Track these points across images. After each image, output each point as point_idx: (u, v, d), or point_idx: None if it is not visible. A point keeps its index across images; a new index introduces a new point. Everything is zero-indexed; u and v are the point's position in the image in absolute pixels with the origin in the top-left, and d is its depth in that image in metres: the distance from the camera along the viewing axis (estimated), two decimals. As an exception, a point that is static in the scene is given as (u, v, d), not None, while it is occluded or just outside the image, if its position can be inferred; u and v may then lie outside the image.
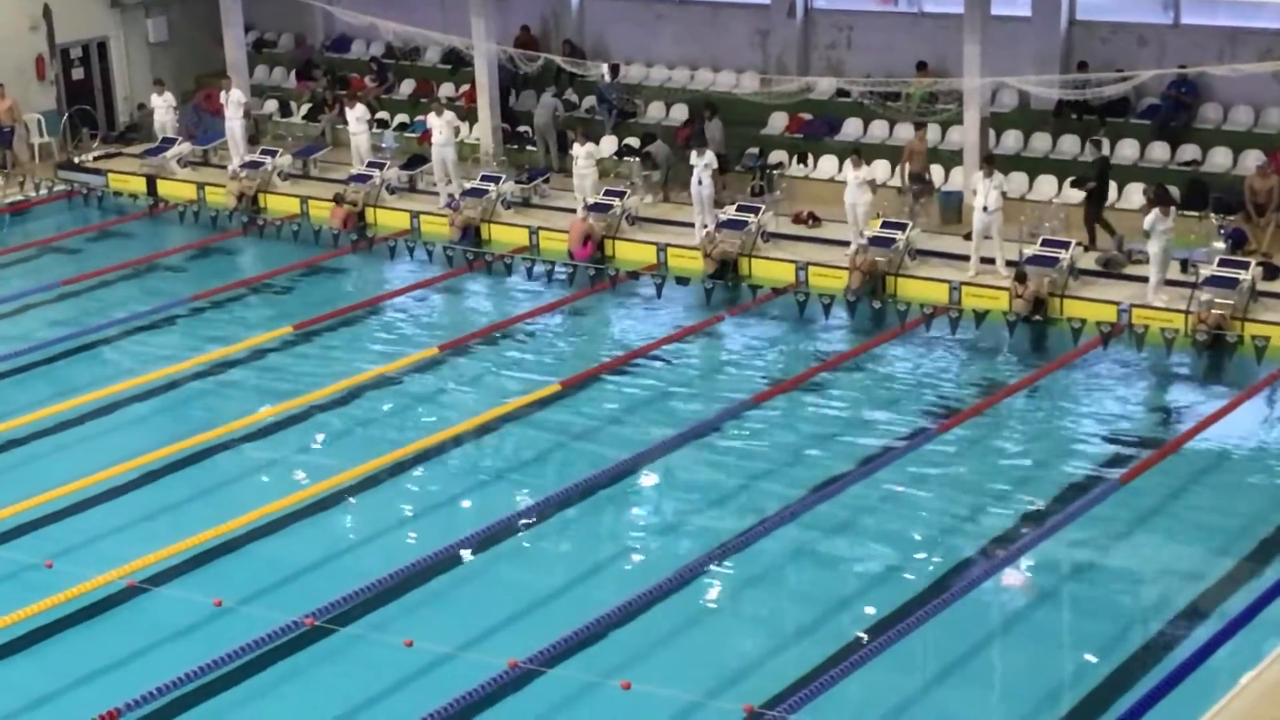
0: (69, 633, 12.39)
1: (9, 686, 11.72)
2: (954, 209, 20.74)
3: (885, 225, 19.88)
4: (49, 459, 15.61)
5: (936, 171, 21.40)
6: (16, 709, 11.42)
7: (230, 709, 11.45)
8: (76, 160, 25.59)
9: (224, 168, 24.59)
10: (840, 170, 21.32)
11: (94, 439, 16.09)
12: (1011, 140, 21.83)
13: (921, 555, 13.58)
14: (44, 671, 11.93)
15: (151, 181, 24.55)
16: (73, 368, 17.99)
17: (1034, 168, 21.30)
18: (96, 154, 25.90)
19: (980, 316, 18.31)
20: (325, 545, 13.90)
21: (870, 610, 12.70)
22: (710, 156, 20.85)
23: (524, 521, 14.14)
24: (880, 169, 21.57)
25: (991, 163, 19.43)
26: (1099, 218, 19.83)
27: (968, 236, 19.47)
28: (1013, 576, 13.18)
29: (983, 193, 18.99)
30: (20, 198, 24.50)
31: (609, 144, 23.66)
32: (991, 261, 19.06)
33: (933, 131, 21.62)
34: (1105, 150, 20.52)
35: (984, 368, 17.70)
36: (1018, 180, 20.81)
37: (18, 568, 13.29)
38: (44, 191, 24.60)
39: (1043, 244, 18.95)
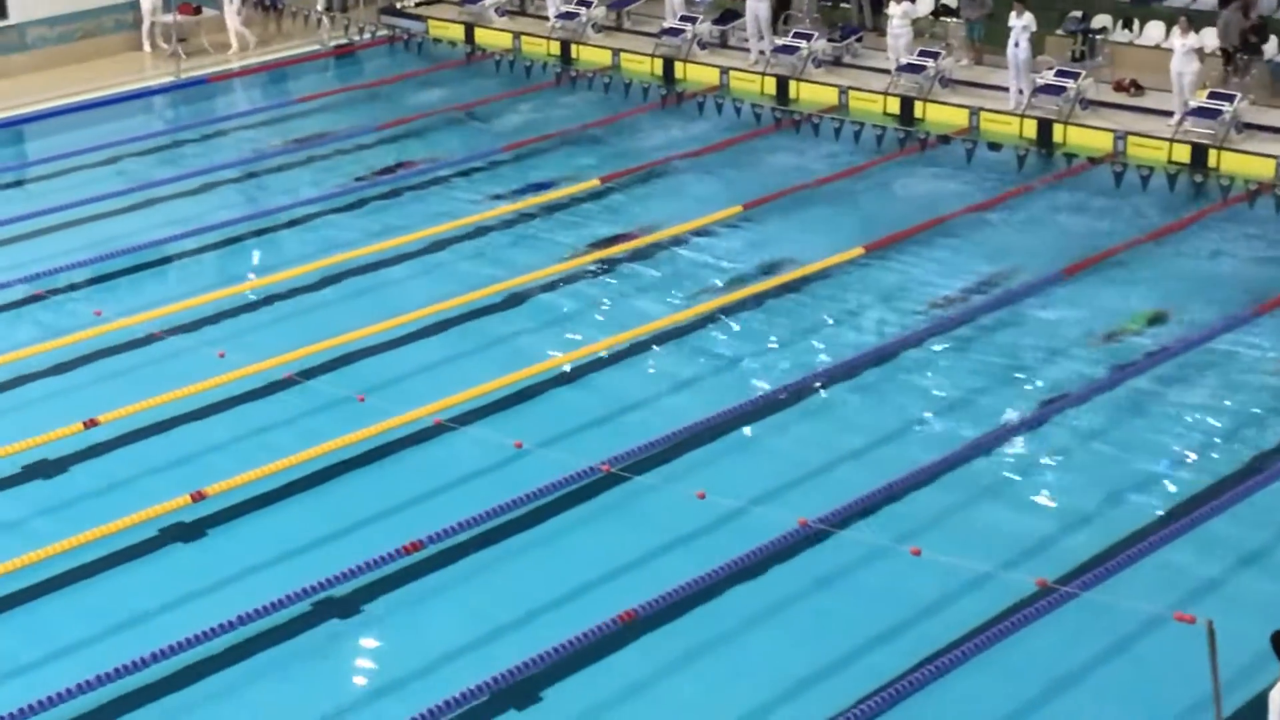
0: (376, 465, 12.83)
1: (320, 513, 12.22)
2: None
3: (1212, 96, 19.08)
4: (363, 297, 16.12)
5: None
6: (323, 535, 11.90)
7: (526, 548, 11.75)
8: (399, 5, 26.12)
9: (541, 18, 24.82)
10: (1167, 37, 20.50)
11: (405, 280, 16.56)
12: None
13: (1233, 438, 13.13)
14: (352, 502, 12.38)
15: (470, 29, 24.92)
16: (386, 211, 18.48)
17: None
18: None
19: (1308, 195, 17.53)
20: (625, 395, 14.09)
21: (1172, 489, 12.39)
22: (1029, 18, 20.24)
23: (819, 383, 14.10)
24: (1209, 36, 20.65)
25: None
26: None
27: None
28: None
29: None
30: (345, 41, 25.18)
31: (925, 3, 23.14)
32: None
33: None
34: None
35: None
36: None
37: (331, 400, 13.78)
38: (367, 36, 25.23)
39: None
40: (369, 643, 10.81)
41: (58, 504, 12.37)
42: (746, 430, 13.38)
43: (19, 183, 19.75)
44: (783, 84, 21.73)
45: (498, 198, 18.70)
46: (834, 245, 16.99)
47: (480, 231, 17.73)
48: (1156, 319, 15.18)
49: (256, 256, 17.26)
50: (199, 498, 12.04)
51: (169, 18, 24.42)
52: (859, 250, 16.78)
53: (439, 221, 17.88)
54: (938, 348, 14.78)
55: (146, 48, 24.78)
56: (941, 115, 20.55)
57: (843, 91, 21.26)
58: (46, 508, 12.32)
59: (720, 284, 16.31)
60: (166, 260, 17.04)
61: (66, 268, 16.51)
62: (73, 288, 16.23)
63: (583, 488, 12.31)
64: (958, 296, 15.78)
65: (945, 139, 19.93)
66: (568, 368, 14.46)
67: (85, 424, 13.09)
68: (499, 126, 21.53)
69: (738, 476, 12.58)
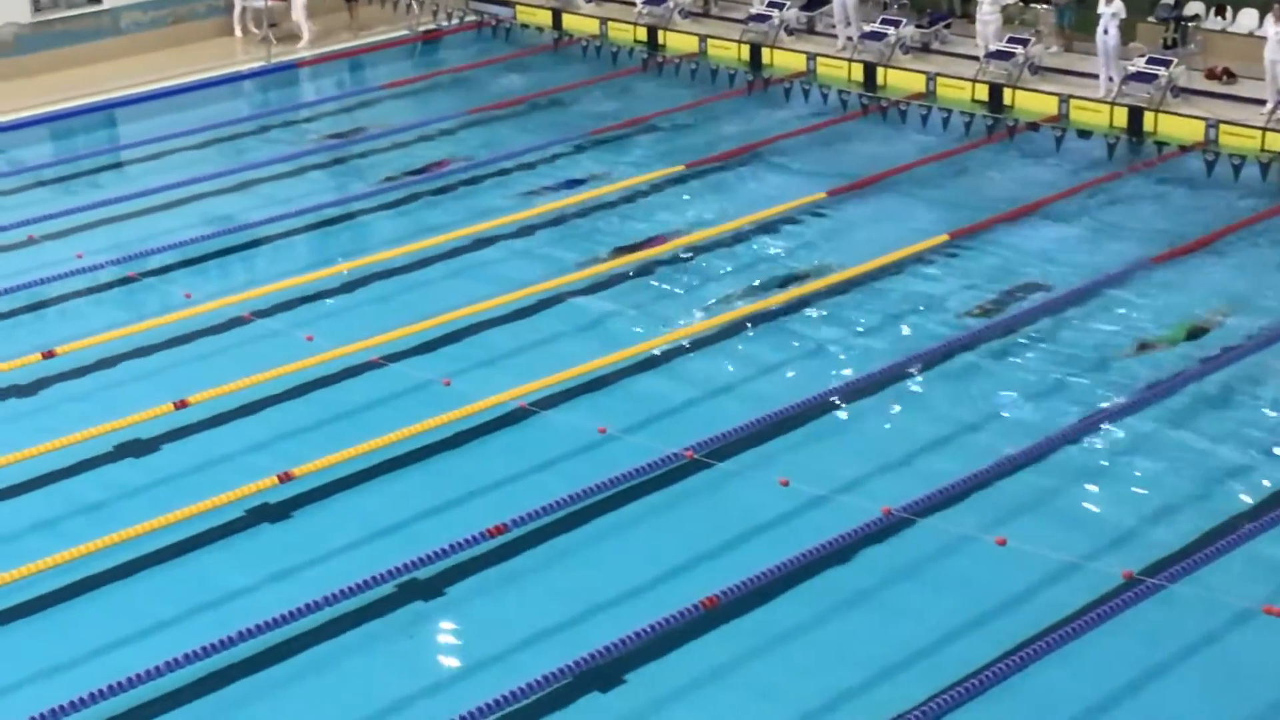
0: (461, 449, 12.90)
1: (405, 496, 12.28)
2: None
3: (1307, 84, 18.82)
4: (450, 281, 16.21)
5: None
6: (407, 518, 11.98)
7: (608, 533, 11.78)
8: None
9: (628, 3, 24.81)
10: (1260, 24, 20.22)
11: (492, 264, 16.62)
12: None
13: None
14: (436, 485, 12.44)
15: (557, 15, 24.96)
16: (472, 195, 18.57)
17: None
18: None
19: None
20: (709, 381, 14.08)
21: (1262, 481, 12.23)
22: (1119, 5, 20.01)
23: (904, 370, 14.03)
24: (1306, 24, 20.33)
25: None
26: None
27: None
28: None
29: None
30: (433, 26, 25.31)
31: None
32: None
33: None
34: None
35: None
36: None
37: (417, 384, 13.88)
38: (455, 21, 25.34)
39: None
40: (452, 625, 10.88)
41: (148, 483, 12.52)
42: (831, 417, 13.34)
43: (112, 166, 20.01)
44: (870, 70, 21.62)
45: (583, 183, 18.72)
46: (919, 232, 16.92)
47: (565, 218, 17.80)
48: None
49: (345, 240, 17.37)
50: (286, 479, 12.14)
51: (260, 3, 24.65)
52: (944, 237, 16.68)
53: (524, 207, 17.96)
54: (1023, 336, 14.67)
55: (238, 32, 25.02)
56: (1030, 102, 20.37)
57: (930, 78, 21.12)
58: (137, 487, 12.48)
59: (805, 270, 16.25)
60: (256, 243, 17.21)
61: (158, 250, 16.71)
62: (164, 270, 16.41)
63: (666, 474, 12.31)
64: (1044, 284, 15.65)
65: (1034, 126, 19.77)
66: (654, 352, 14.48)
67: (176, 405, 13.26)
68: (585, 112, 21.53)
69: (822, 464, 12.54)
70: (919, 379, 13.96)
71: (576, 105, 21.94)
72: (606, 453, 12.67)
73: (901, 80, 21.43)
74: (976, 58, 21.17)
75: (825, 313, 15.30)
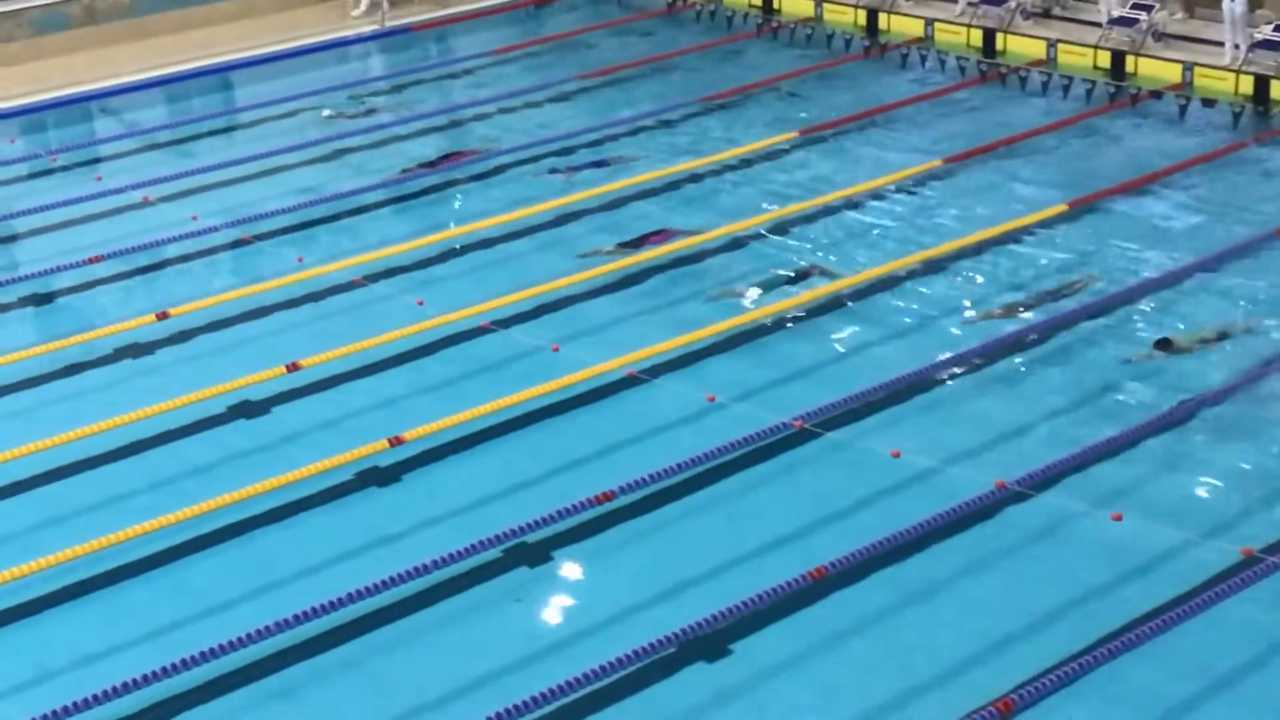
0: (569, 415, 12.87)
1: (513, 461, 12.27)
2: None
3: None
4: (561, 246, 16.15)
5: None
6: (515, 483, 11.97)
7: (716, 502, 11.69)
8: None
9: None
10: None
11: (601, 231, 16.51)
12: None
13: None
14: (544, 451, 12.42)
15: (670, -21, 24.84)
16: (585, 156, 18.48)
17: None
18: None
19: None
20: (821, 350, 13.94)
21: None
22: (1248, -30, 19.62)
23: (1023, 341, 13.80)
24: None
25: None
26: None
27: None
28: None
29: None
30: (546, -9, 25.28)
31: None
32: None
33: None
34: None
35: None
36: None
37: (526, 350, 13.87)
38: (568, -14, 25.28)
39: None
40: (558, 591, 10.87)
41: (259, 445, 12.61)
42: (945, 388, 13.17)
43: (226, 130, 20.15)
44: (989, 36, 21.30)
45: (695, 150, 18.58)
46: (1038, 201, 16.64)
47: (677, 184, 17.65)
48: None
49: (456, 205, 17.37)
50: (396, 443, 12.16)
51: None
52: (1063, 206, 16.40)
53: (634, 173, 17.83)
54: (1145, 306, 14.39)
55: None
56: (1154, 70, 19.97)
57: (1051, 44, 20.77)
58: (249, 449, 12.56)
59: (919, 238, 16.04)
60: (367, 208, 17.24)
61: (270, 214, 16.81)
62: (277, 234, 16.49)
63: (775, 443, 12.20)
64: (1165, 256, 15.33)
65: (1157, 94, 19.39)
66: (765, 321, 14.35)
67: (287, 368, 13.33)
68: (698, 78, 21.39)
69: (934, 435, 12.37)
70: (1036, 350, 13.72)
71: (689, 71, 21.80)
72: (715, 421, 12.57)
73: (1021, 46, 21.09)
74: (1099, 24, 20.80)
75: (940, 281, 15.09)
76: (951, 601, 10.54)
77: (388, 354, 13.77)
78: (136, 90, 21.25)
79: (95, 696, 9.37)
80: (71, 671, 9.97)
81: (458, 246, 16.11)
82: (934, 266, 15.33)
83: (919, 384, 13.07)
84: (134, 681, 9.51)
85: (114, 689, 9.44)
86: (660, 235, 15.93)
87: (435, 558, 10.63)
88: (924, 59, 21.27)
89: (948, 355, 13.54)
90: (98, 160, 18.67)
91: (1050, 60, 20.65)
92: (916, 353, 13.63)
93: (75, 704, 9.32)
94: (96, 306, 15.09)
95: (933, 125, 19.41)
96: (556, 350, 13.75)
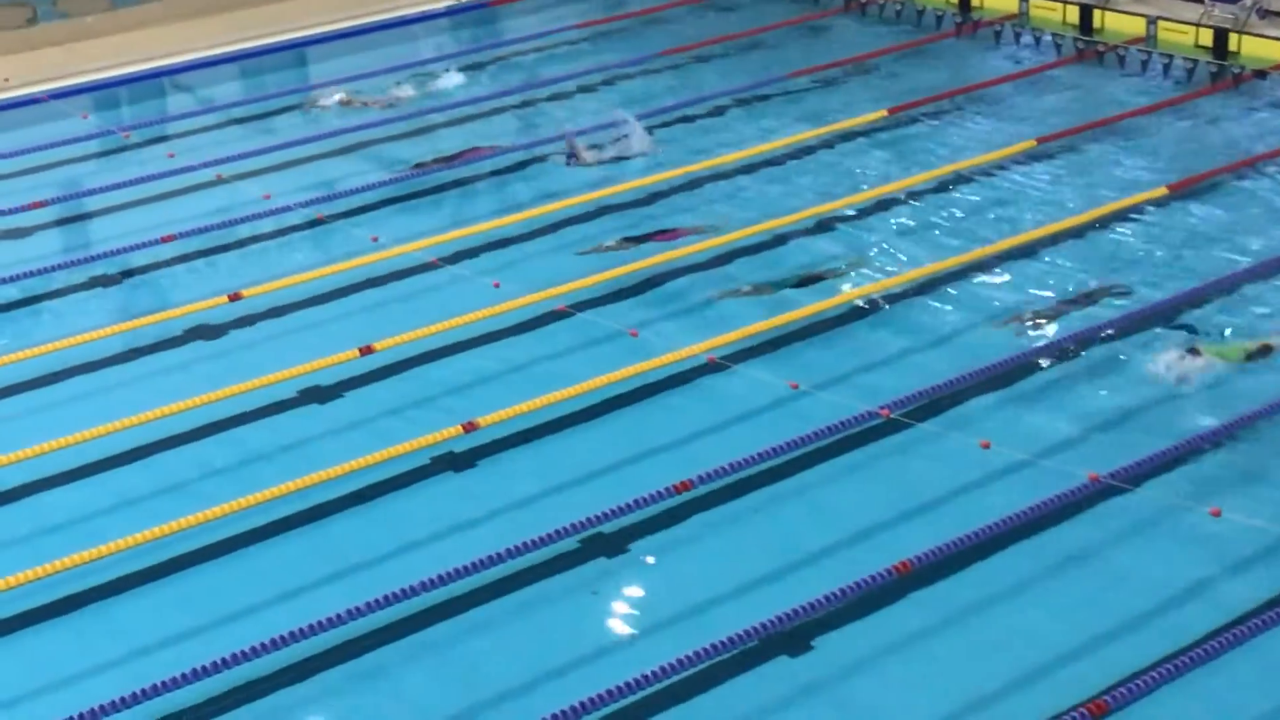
0: (647, 402, 12.60)
1: (590, 449, 12.03)
2: None
3: None
4: (640, 229, 15.79)
5: None
6: (592, 471, 11.73)
7: (799, 492, 11.38)
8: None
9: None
10: None
11: (680, 213, 16.19)
12: None
13: None
14: (623, 438, 12.17)
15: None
16: (666, 142, 18.09)
17: None
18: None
19: None
20: (910, 337, 13.55)
21: None
22: (1358, -55, 19.02)
23: (1107, 332, 13.32)
24: None
25: None
26: None
27: None
28: None
29: None
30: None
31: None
32: None
33: None
34: None
35: None
36: None
37: (605, 334, 13.61)
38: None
39: None
40: (636, 581, 10.60)
41: (332, 429, 12.41)
42: (1037, 378, 12.74)
43: (299, 106, 19.91)
44: (1086, 13, 20.81)
45: (778, 130, 18.23)
46: (1134, 184, 16.14)
47: (759, 165, 17.26)
48: None
49: (533, 185, 17.08)
50: (471, 428, 11.94)
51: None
52: (1162, 190, 15.92)
53: (716, 153, 17.45)
54: (1249, 290, 13.88)
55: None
56: (1258, 49, 19.41)
57: (1151, 21, 20.25)
58: (321, 433, 12.38)
59: (1012, 221, 15.61)
60: (443, 187, 17.01)
61: (346, 193, 16.61)
62: (352, 213, 16.29)
63: (860, 432, 11.87)
64: (1266, 244, 14.79)
65: (1261, 74, 18.83)
66: (852, 304, 14.00)
67: (360, 350, 13.13)
68: (784, 54, 21.02)
69: (1025, 426, 11.98)
70: (1128, 340, 13.26)
71: (776, 48, 21.42)
72: (798, 409, 12.25)
73: (1119, 23, 20.57)
74: (1201, 1, 20.28)
75: (1033, 267, 14.63)
76: (1041, 599, 10.20)
77: (463, 337, 13.54)
78: (210, 66, 21.14)
79: (184, 675, 9.30)
80: (156, 652, 9.90)
81: (536, 228, 15.81)
82: (1027, 250, 14.89)
83: (1011, 373, 12.66)
84: (214, 664, 9.42)
85: (200, 669, 9.36)
86: (667, 234, 15.50)
87: (509, 546, 10.41)
88: (1018, 36, 20.84)
89: (1041, 343, 13.13)
90: (170, 137, 18.53)
91: (1150, 38, 20.15)
92: (1008, 340, 13.22)
93: (164, 683, 9.26)
94: (168, 286, 14.97)
95: (1026, 104, 18.93)
96: (635, 335, 13.47)
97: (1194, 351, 12.83)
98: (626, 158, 17.23)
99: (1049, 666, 9.54)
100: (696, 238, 15.20)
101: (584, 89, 20.04)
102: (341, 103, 19.25)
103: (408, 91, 19.66)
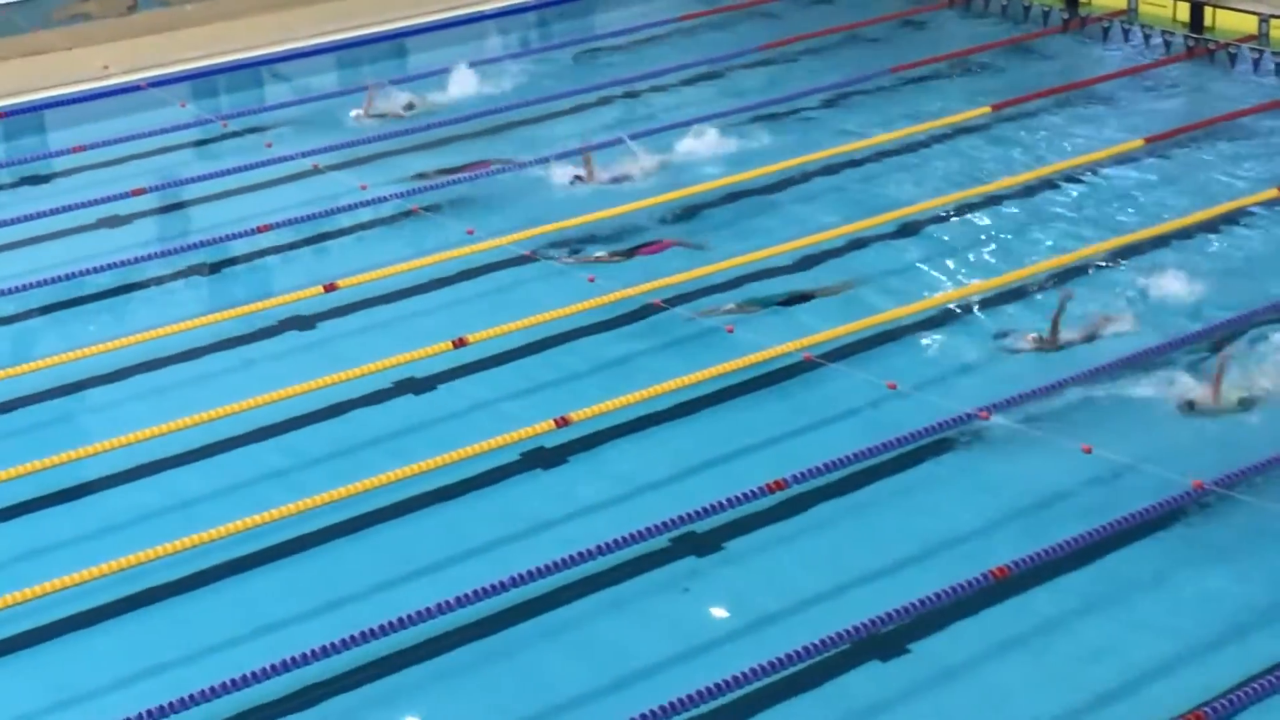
0: (742, 399, 12.46)
1: (683, 446, 11.92)
2: None
3: None
4: (735, 224, 15.66)
5: None
6: (685, 469, 11.61)
7: (895, 494, 11.24)
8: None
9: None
10: None
11: (784, 208, 16.02)
12: None
13: None
14: (716, 436, 12.04)
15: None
16: (764, 136, 17.92)
17: None
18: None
19: None
20: (1007, 339, 13.28)
21: None
22: None
23: (1226, 334, 13.02)
24: None
25: None
26: None
27: None
28: None
29: None
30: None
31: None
32: None
33: None
34: None
35: None
36: None
37: (700, 331, 13.47)
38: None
39: None
40: (728, 581, 10.45)
41: (426, 421, 12.37)
42: (1142, 382, 12.40)
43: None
44: (1197, 10, 20.42)
45: (881, 124, 18.02)
46: (1246, 185, 15.82)
47: (860, 161, 17.08)
48: None
49: (634, 178, 16.91)
50: (562, 423, 11.86)
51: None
52: (1274, 191, 15.58)
53: (814, 149, 17.25)
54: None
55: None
56: (1372, 48, 19.06)
57: (1263, 20, 19.85)
58: (415, 424, 12.34)
59: (1117, 223, 15.30)
60: (540, 181, 16.88)
61: (441, 185, 16.53)
62: (448, 204, 16.21)
63: (959, 435, 11.69)
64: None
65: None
66: (951, 305, 13.78)
67: (454, 343, 13.08)
68: (886, 49, 20.79)
69: (1130, 431, 11.71)
70: (1241, 342, 12.92)
71: (878, 42, 21.18)
72: (895, 410, 12.08)
73: (1232, 21, 20.16)
74: (1313, -3, 19.92)
75: (1139, 269, 14.32)
76: (1142, 607, 10.01)
77: (557, 330, 13.47)
78: (309, 55, 21.14)
79: (274, 666, 9.30)
80: (252, 641, 9.91)
81: (635, 222, 15.64)
82: (1133, 252, 14.60)
83: (1115, 377, 12.38)
84: (305, 655, 9.41)
85: (291, 660, 9.36)
86: (653, 246, 15.21)
87: (600, 543, 10.33)
88: (1126, 33, 20.47)
89: (1146, 347, 12.81)
90: (268, 127, 18.56)
91: (1262, 36, 19.74)
92: (1113, 344, 12.94)
93: (262, 670, 9.27)
94: (264, 276, 15.00)
95: (1135, 103, 18.60)
96: (730, 331, 13.34)
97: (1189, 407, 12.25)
98: (630, 178, 16.86)
99: (1149, 676, 9.36)
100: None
101: (685, 83, 19.86)
102: (403, 105, 18.85)
103: (501, 85, 19.58)
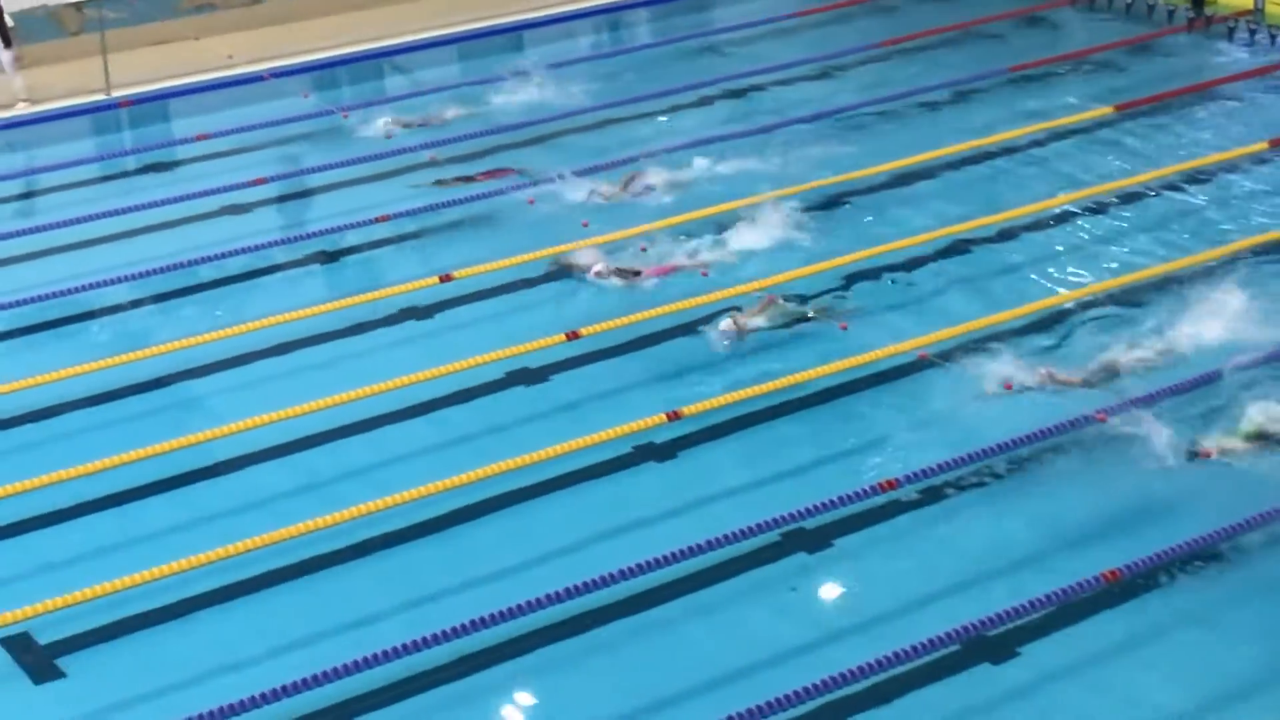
0: (856, 397, 12.42)
1: (795, 443, 11.88)
2: None
3: None
4: (848, 224, 15.58)
5: None
6: (797, 465, 11.59)
7: (1007, 495, 11.12)
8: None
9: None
10: None
11: (893, 206, 15.93)
12: None
13: None
14: (828, 433, 12.01)
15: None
16: (880, 137, 17.84)
17: None
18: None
19: None
20: (1124, 341, 13.04)
21: None
22: None
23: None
24: None
25: None
26: None
27: None
28: None
29: None
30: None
31: None
32: None
33: None
34: None
35: None
36: None
37: (813, 327, 13.43)
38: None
39: None
40: (837, 579, 10.44)
41: (538, 413, 12.43)
42: (1267, 383, 12.17)
43: (517, 90, 19.74)
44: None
45: (1001, 122, 17.85)
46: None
47: (976, 159, 16.92)
48: None
49: (750, 173, 16.86)
50: (675, 417, 11.88)
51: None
52: (1402, 196, 15.33)
53: (931, 147, 17.11)
54: None
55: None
56: None
57: (1395, 20, 19.51)
58: (528, 416, 12.40)
59: (1240, 227, 15.06)
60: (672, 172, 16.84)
61: (557, 178, 16.52)
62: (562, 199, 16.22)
63: (1076, 436, 11.54)
64: None
65: None
66: (1066, 306, 13.64)
67: (568, 335, 13.15)
68: (1007, 46, 20.60)
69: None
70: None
71: (998, 39, 20.99)
72: (1011, 410, 11.96)
73: (1361, 23, 19.88)
74: None
75: (1264, 274, 14.04)
76: (1258, 614, 9.85)
77: (669, 324, 13.47)
78: (430, 47, 21.28)
79: (365, 660, 9.32)
80: (347, 632, 9.95)
81: (747, 217, 15.57)
82: (1259, 255, 14.37)
83: (1235, 379, 12.18)
84: (399, 649, 9.44)
85: (382, 654, 9.38)
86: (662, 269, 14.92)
87: (710, 538, 10.31)
88: (1253, 33, 20.16)
89: (1268, 350, 12.60)
90: (387, 118, 18.67)
91: (1393, 37, 19.40)
92: (1238, 344, 12.73)
93: (354, 663, 9.32)
94: (381, 266, 15.10)
95: (1260, 104, 18.29)
96: (844, 328, 13.27)
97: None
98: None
99: (1259, 685, 9.23)
100: (920, 230, 14.93)
101: (804, 78, 19.78)
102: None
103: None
